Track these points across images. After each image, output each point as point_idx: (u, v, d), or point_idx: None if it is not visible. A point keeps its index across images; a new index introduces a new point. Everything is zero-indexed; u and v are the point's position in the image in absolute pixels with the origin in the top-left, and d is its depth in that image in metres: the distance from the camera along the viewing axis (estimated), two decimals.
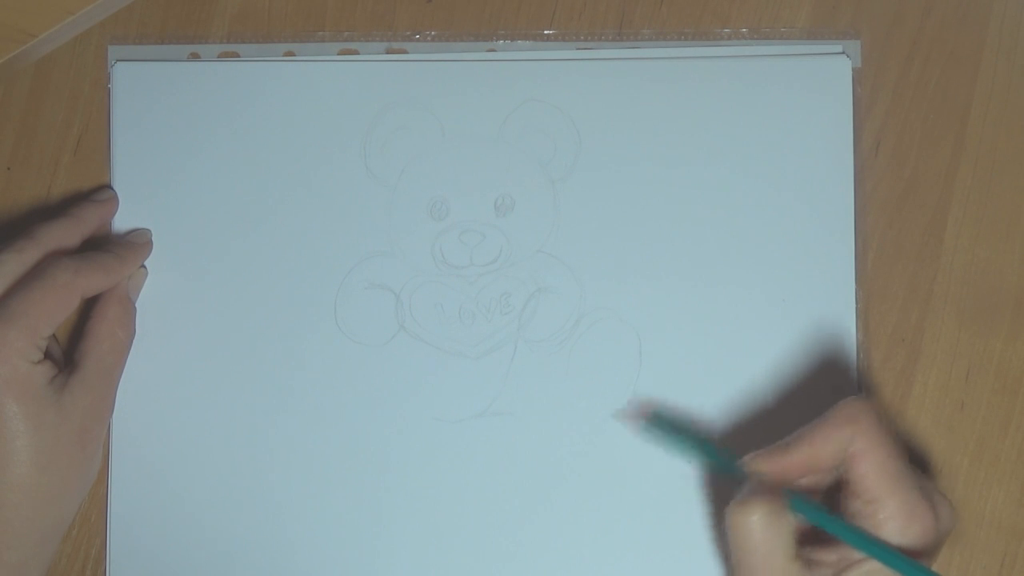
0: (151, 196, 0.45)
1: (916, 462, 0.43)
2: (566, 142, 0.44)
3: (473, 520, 0.43)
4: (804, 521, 0.36)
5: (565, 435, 0.43)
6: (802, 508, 0.36)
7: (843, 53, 0.44)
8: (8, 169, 0.46)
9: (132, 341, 0.43)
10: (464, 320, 0.44)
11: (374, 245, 0.44)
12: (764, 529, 0.34)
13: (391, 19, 0.46)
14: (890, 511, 0.34)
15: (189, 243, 0.44)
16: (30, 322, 0.38)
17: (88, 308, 0.42)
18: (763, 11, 0.45)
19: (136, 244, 0.43)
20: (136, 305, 0.44)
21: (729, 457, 0.38)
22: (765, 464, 0.37)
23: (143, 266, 0.44)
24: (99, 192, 0.45)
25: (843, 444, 0.35)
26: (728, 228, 0.44)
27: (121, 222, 0.45)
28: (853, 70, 0.44)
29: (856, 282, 0.43)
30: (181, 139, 0.45)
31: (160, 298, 0.44)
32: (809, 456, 0.36)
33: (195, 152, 0.45)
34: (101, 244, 0.43)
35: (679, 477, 0.43)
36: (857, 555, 0.35)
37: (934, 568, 0.35)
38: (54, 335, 0.42)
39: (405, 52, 0.45)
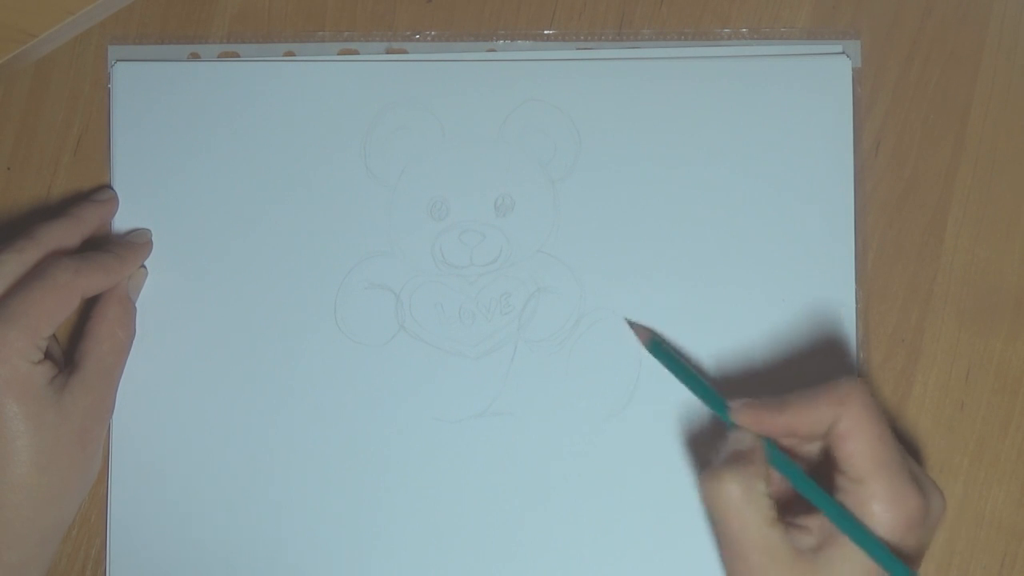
0: (151, 196, 0.45)
1: (916, 462, 0.43)
2: (566, 142, 0.44)
3: (473, 520, 0.43)
4: (783, 484, 0.36)
5: (565, 435, 0.43)
6: (778, 461, 0.36)
7: (843, 53, 0.44)
8: (8, 169, 0.46)
9: (132, 341, 0.43)
10: (464, 320, 0.44)
11: (374, 245, 0.44)
12: (739, 498, 0.35)
13: (391, 19, 0.46)
14: (874, 492, 0.34)
15: (189, 243, 0.44)
16: (30, 322, 0.38)
17: (88, 308, 0.42)
18: (763, 11, 0.45)
19: (136, 244, 0.43)
20: (136, 305, 0.44)
21: (720, 399, 0.39)
22: (749, 418, 0.37)
23: (143, 266, 0.44)
24: (99, 192, 0.45)
25: (828, 420, 0.36)
26: (728, 228, 0.44)
27: (121, 222, 0.45)
28: (853, 70, 0.44)
29: (856, 282, 0.43)
30: (181, 139, 0.45)
31: (160, 298, 0.44)
32: (793, 422, 0.36)
33: (195, 152, 0.45)
34: (101, 244, 0.43)
35: (679, 477, 0.43)
36: None
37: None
38: (54, 335, 0.42)
39: (405, 52, 0.45)
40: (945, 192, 0.44)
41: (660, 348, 0.42)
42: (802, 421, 0.36)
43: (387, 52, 0.45)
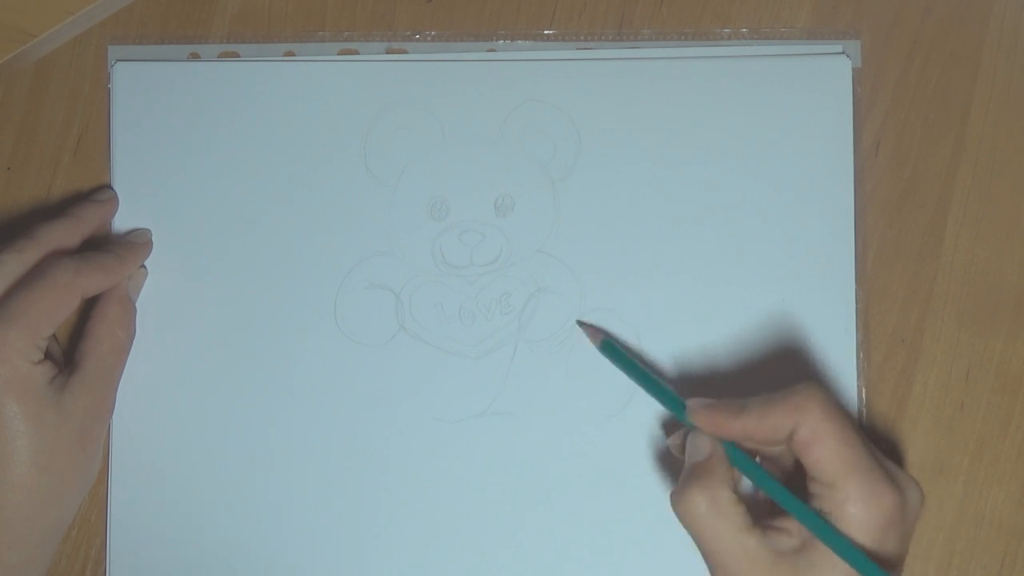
0: (151, 196, 0.45)
1: (915, 461, 0.43)
2: (566, 142, 0.44)
3: (473, 520, 0.43)
4: (752, 487, 0.36)
5: (565, 435, 0.43)
6: (739, 462, 0.36)
7: (843, 53, 0.44)
8: (8, 169, 0.46)
9: (132, 341, 0.43)
10: (464, 320, 0.44)
11: (374, 245, 0.44)
12: (706, 510, 0.35)
13: (391, 19, 0.46)
14: (847, 495, 0.34)
15: (189, 243, 0.44)
16: (30, 322, 0.38)
17: (88, 308, 0.42)
18: (763, 11, 0.45)
19: (136, 244, 0.43)
20: (136, 305, 0.44)
21: (677, 399, 0.39)
22: (705, 419, 0.37)
23: (143, 266, 0.44)
24: (99, 192, 0.45)
25: (786, 428, 0.35)
26: (728, 228, 0.44)
27: (121, 222, 0.45)
28: (853, 70, 0.44)
29: (856, 282, 0.43)
30: (181, 139, 0.45)
31: (160, 298, 0.44)
32: (749, 428, 0.36)
33: (195, 152, 0.45)
34: (101, 244, 0.43)
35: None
36: None
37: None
38: (54, 335, 0.42)
39: (405, 52, 0.45)
40: (945, 192, 0.44)
41: (612, 348, 0.42)
42: (759, 427, 0.36)
43: (387, 52, 0.45)
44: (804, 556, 0.34)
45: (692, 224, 0.44)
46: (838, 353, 0.43)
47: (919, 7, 0.45)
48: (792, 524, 0.35)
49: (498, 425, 0.43)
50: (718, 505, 0.35)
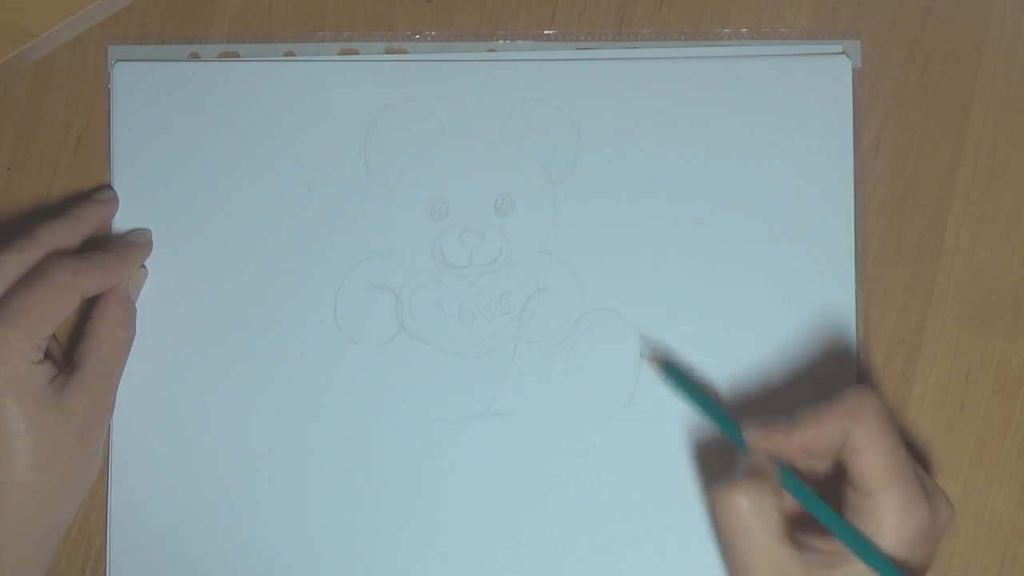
0: (151, 196, 0.45)
1: (916, 462, 0.43)
2: (566, 142, 0.44)
3: (473, 520, 0.43)
4: (797, 506, 0.36)
5: (565, 435, 0.43)
6: (791, 485, 0.36)
7: (843, 53, 0.44)
8: (8, 169, 0.46)
9: (132, 341, 0.43)
10: (464, 320, 0.44)
11: (374, 245, 0.44)
12: (751, 512, 0.35)
13: (391, 19, 0.46)
14: (888, 506, 0.34)
15: (189, 243, 0.44)
16: (30, 322, 0.38)
17: (88, 308, 0.42)
18: (763, 11, 0.45)
19: (136, 244, 0.43)
20: (136, 305, 0.44)
21: (732, 423, 0.38)
22: (764, 441, 0.37)
23: (143, 266, 0.44)
24: (99, 192, 0.45)
25: (841, 434, 0.35)
26: (728, 228, 0.44)
27: (121, 222, 0.45)
28: (853, 70, 0.44)
29: (856, 282, 0.43)
30: (181, 139, 0.45)
31: (160, 298, 0.44)
32: (806, 440, 0.36)
33: (195, 152, 0.45)
34: (101, 244, 0.43)
35: (679, 477, 0.43)
36: None
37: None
38: (54, 335, 0.42)
39: (405, 52, 0.45)
40: (945, 192, 0.44)
41: (673, 373, 0.42)
42: (815, 438, 0.36)
43: (387, 52, 0.45)
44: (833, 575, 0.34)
45: (692, 224, 0.44)
46: (838, 353, 0.43)
47: (919, 7, 0.45)
48: (825, 546, 0.35)
49: (498, 425, 0.43)
50: (762, 507, 0.35)
